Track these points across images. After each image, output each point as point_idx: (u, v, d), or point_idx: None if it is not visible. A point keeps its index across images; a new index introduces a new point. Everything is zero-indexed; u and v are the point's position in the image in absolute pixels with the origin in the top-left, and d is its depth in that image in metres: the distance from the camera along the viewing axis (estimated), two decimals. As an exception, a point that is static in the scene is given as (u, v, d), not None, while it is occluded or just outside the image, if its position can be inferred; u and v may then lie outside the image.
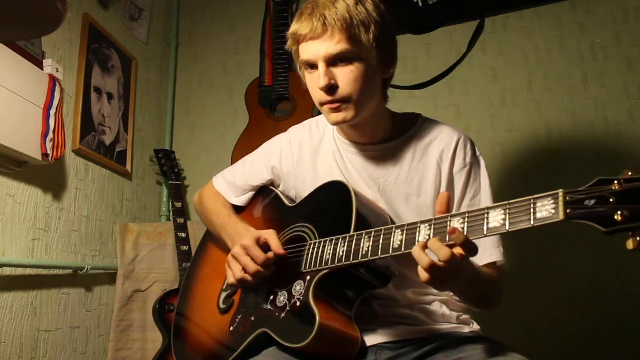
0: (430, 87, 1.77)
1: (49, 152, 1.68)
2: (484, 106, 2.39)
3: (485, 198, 1.15)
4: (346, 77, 1.06)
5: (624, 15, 2.31)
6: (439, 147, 1.16)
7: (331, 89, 1.06)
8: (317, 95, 1.10)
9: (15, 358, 1.62)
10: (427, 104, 2.39)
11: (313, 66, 1.08)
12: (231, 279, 1.14)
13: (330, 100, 1.07)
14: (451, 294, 1.14)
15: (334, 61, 1.06)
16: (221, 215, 1.32)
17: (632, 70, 2.26)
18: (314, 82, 1.09)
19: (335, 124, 1.12)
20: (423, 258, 0.84)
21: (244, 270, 1.11)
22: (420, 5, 1.57)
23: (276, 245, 1.12)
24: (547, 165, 2.26)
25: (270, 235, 1.13)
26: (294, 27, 1.08)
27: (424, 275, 0.85)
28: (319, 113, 1.20)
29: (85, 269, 1.93)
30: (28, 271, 1.71)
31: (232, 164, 1.50)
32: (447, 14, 1.59)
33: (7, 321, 1.61)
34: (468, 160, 1.15)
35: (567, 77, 2.32)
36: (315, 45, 1.06)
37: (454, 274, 0.85)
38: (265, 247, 1.13)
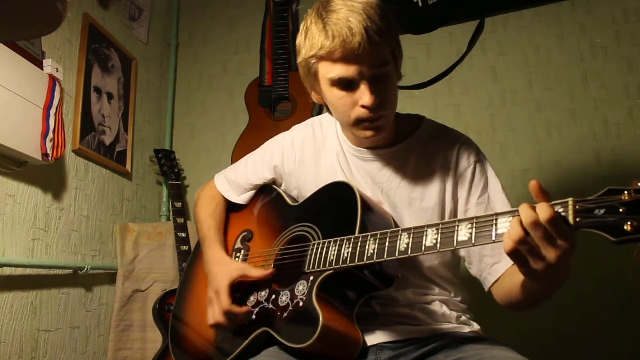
0: (430, 87, 1.76)
1: (49, 152, 1.68)
2: (484, 106, 2.39)
3: (494, 193, 1.13)
4: (386, 93, 1.05)
5: (624, 15, 2.31)
6: (443, 150, 1.16)
7: (378, 106, 1.03)
8: (355, 113, 1.05)
9: (15, 358, 1.62)
10: (427, 104, 2.39)
11: (349, 84, 1.04)
12: (209, 322, 1.18)
13: (373, 118, 1.05)
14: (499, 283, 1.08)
15: (375, 78, 1.03)
16: (203, 228, 1.34)
17: (632, 70, 2.26)
18: (349, 100, 1.05)
19: (371, 138, 1.10)
20: (517, 229, 0.77)
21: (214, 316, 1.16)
22: (421, 5, 1.57)
23: (256, 274, 1.16)
24: (547, 166, 2.26)
25: (243, 271, 1.17)
26: (322, 42, 1.01)
27: (508, 244, 0.78)
28: (319, 113, 1.20)
29: (85, 269, 1.93)
30: (28, 271, 1.70)
31: (232, 164, 1.50)
32: (447, 14, 1.59)
33: (7, 321, 1.61)
34: (472, 160, 1.14)
35: (567, 77, 2.32)
36: (356, 63, 1.00)
37: (550, 264, 0.78)
38: (241, 283, 1.17)
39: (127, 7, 2.45)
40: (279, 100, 2.39)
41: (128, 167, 2.33)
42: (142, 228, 2.25)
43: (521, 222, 0.77)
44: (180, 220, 2.22)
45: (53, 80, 1.74)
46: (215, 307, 1.16)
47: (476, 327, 1.17)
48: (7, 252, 1.63)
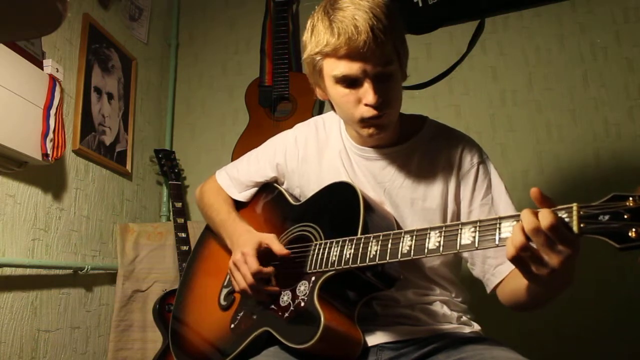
0: (430, 87, 1.76)
1: (49, 152, 1.68)
2: (484, 106, 2.39)
3: (497, 195, 1.13)
4: (390, 92, 1.05)
5: (624, 15, 2.31)
6: (446, 150, 1.16)
7: (381, 104, 1.04)
8: (359, 111, 1.06)
9: (15, 358, 1.62)
10: (427, 104, 2.39)
11: (353, 82, 1.04)
12: (236, 288, 1.15)
13: (377, 116, 1.05)
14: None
15: (379, 76, 1.03)
16: (221, 212, 1.32)
17: (632, 70, 2.26)
18: (352, 97, 1.05)
19: (374, 135, 1.10)
20: (519, 236, 0.77)
21: (244, 279, 1.12)
22: (420, 5, 1.56)
23: (278, 248, 1.12)
24: (547, 166, 2.26)
25: (270, 240, 1.14)
26: (328, 38, 1.01)
27: (510, 251, 0.78)
28: (319, 112, 1.20)
29: (85, 269, 1.93)
30: (28, 271, 1.70)
31: (232, 164, 1.49)
32: (447, 14, 1.59)
33: (7, 321, 1.61)
34: (475, 160, 1.15)
35: (567, 77, 2.32)
36: (361, 61, 1.01)
37: (553, 269, 0.77)
38: (266, 252, 1.13)
39: (127, 7, 2.45)
40: (279, 100, 2.39)
41: (128, 167, 2.33)
42: (142, 228, 2.25)
43: (523, 229, 0.76)
44: (180, 220, 2.22)
45: (53, 80, 1.74)
46: (243, 269, 1.12)
47: (476, 327, 1.17)
48: (7, 252, 1.63)
